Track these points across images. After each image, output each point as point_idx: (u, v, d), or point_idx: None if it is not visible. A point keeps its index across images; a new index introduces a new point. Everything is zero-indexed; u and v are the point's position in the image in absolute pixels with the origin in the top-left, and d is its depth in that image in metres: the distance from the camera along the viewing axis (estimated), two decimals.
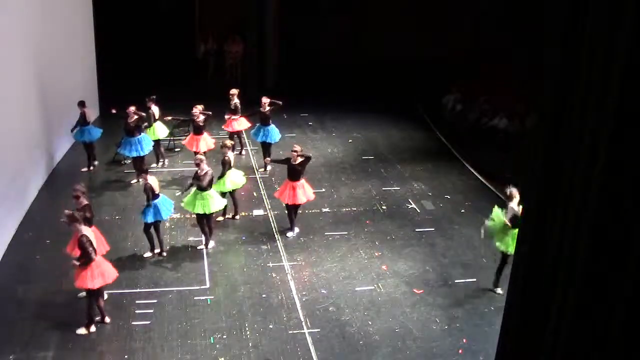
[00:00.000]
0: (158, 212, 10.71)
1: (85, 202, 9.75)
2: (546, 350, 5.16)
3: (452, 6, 21.98)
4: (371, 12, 22.27)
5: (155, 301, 9.77)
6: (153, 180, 10.77)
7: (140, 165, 13.38)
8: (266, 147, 14.53)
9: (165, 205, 10.90)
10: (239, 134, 15.40)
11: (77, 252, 8.98)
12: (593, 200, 4.51)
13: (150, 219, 10.64)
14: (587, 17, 4.60)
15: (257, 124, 14.56)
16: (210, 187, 10.94)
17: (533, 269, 5.40)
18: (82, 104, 14.06)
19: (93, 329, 9.03)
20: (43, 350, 8.59)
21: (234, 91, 14.90)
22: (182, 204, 11.30)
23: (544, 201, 5.21)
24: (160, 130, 14.58)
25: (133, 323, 9.24)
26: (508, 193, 9.75)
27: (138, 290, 10.04)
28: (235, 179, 12.02)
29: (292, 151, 11.62)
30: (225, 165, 11.73)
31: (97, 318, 9.17)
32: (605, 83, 4.38)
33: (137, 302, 9.71)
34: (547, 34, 5.60)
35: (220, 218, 12.00)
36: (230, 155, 11.87)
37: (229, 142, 12.09)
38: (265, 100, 14.32)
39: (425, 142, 17.21)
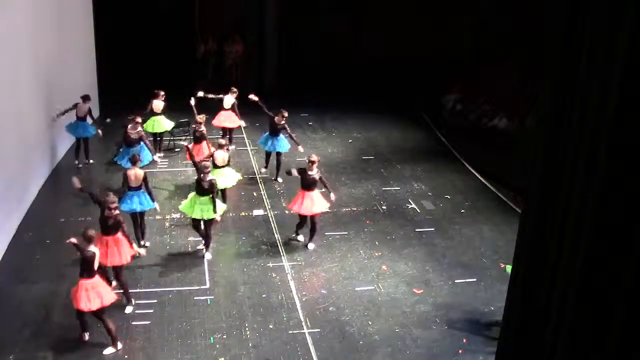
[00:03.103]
0: (124, 202, 10.58)
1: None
2: (546, 350, 5.16)
3: (452, 6, 21.99)
4: (371, 12, 22.27)
5: (155, 301, 9.77)
6: (133, 172, 10.72)
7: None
8: (269, 156, 14.33)
9: (135, 201, 10.68)
10: (229, 130, 15.31)
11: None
12: (593, 200, 4.51)
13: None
14: (587, 17, 4.60)
15: (267, 133, 14.17)
16: (211, 192, 10.82)
17: (533, 269, 5.40)
18: (88, 98, 14.08)
19: (120, 345, 8.67)
20: (43, 350, 8.58)
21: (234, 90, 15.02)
22: (180, 207, 11.27)
23: (544, 201, 5.21)
24: (162, 124, 14.70)
25: (133, 323, 9.24)
26: None
27: (138, 290, 10.03)
28: (228, 177, 12.06)
29: (309, 161, 11.21)
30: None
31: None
32: (605, 83, 4.39)
33: (137, 302, 9.70)
34: (547, 34, 5.60)
35: (218, 218, 11.82)
36: (221, 155, 11.92)
37: (222, 141, 12.13)
38: (284, 114, 13.74)
39: (425, 142, 17.22)
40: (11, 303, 9.56)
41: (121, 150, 13.41)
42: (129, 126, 13.11)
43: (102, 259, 8.95)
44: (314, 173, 11.16)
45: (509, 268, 9.44)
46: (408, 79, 20.28)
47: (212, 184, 10.62)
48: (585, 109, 4.63)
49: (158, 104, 14.75)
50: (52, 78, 14.03)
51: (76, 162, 14.52)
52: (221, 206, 11.06)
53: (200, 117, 13.61)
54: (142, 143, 13.17)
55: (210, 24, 22.36)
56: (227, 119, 15.07)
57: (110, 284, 9.40)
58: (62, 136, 15.02)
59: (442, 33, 21.84)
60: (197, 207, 10.63)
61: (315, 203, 11.17)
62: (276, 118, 13.78)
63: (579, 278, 4.67)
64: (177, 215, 12.38)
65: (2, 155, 11.01)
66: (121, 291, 9.49)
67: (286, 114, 13.77)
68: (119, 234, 9.27)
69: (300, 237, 11.65)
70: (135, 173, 10.68)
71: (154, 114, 14.80)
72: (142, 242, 11.06)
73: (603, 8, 4.42)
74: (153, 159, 13.93)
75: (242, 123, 15.28)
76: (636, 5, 4.09)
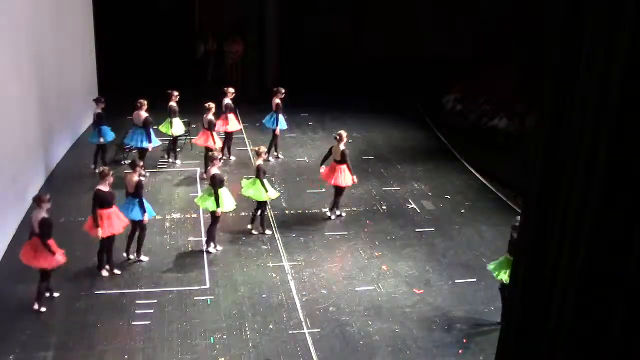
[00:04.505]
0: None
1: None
2: (546, 350, 5.16)
3: (452, 6, 22.00)
4: (371, 12, 22.28)
5: (155, 301, 9.77)
6: (128, 178, 10.63)
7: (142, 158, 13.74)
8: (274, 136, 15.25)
9: (126, 208, 10.58)
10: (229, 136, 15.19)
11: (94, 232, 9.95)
12: (593, 200, 4.51)
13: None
14: (587, 17, 4.60)
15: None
16: (221, 186, 10.88)
17: (533, 269, 5.40)
18: (99, 101, 14.10)
19: (43, 308, 9.37)
20: (43, 350, 8.58)
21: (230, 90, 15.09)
22: (195, 200, 11.42)
23: (544, 201, 5.21)
24: (178, 126, 14.68)
25: (133, 323, 9.24)
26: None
27: (138, 290, 10.04)
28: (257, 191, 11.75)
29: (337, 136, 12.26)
30: (260, 172, 11.57)
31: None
32: (605, 83, 4.39)
33: (137, 302, 9.71)
34: (547, 34, 5.60)
35: (249, 226, 11.92)
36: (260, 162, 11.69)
37: (262, 149, 11.98)
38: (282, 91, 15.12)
39: (425, 142, 17.22)
40: (11, 303, 9.57)
41: (131, 130, 13.94)
42: (137, 111, 13.67)
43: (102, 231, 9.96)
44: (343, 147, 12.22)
45: (491, 266, 9.50)
46: (408, 79, 20.27)
47: (213, 177, 10.80)
48: (585, 109, 4.62)
49: (173, 106, 14.52)
50: (52, 78, 14.02)
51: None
52: (231, 203, 11.21)
53: (209, 105, 14.05)
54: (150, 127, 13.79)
55: (210, 24, 22.36)
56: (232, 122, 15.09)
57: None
58: (62, 137, 15.02)
59: (442, 33, 21.84)
60: (208, 200, 10.91)
61: (345, 176, 12.23)
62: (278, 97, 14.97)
63: (579, 278, 4.67)
64: (177, 215, 12.39)
65: (2, 156, 11.01)
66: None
67: (283, 91, 15.07)
68: (115, 207, 10.13)
69: (333, 216, 12.53)
70: (130, 178, 10.53)
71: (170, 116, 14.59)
72: (130, 255, 10.74)
73: (603, 8, 4.42)
74: (175, 163, 14.75)
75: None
76: (636, 5, 4.09)
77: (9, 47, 11.63)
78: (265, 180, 11.65)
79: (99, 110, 13.97)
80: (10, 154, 11.46)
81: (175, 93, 14.58)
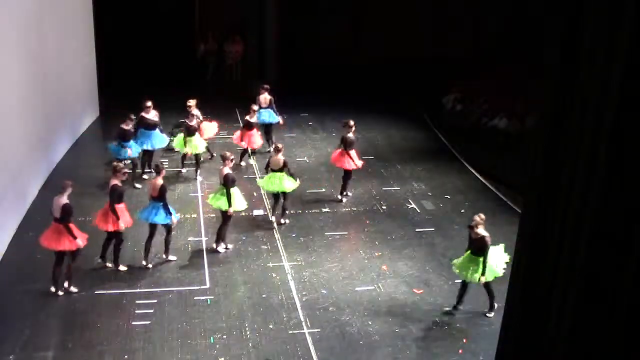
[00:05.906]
0: (141, 210, 10.85)
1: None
2: (546, 350, 5.17)
3: (452, 6, 22.01)
4: (371, 12, 22.28)
5: (155, 301, 9.77)
6: (152, 182, 10.74)
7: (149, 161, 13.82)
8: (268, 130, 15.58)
9: (148, 211, 10.64)
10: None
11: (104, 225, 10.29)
12: (593, 200, 4.51)
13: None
14: (587, 17, 4.60)
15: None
16: (233, 185, 10.99)
17: (533, 269, 5.40)
18: (129, 118, 13.39)
19: (73, 289, 9.87)
20: (43, 350, 8.59)
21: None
22: (208, 200, 11.54)
23: (544, 201, 5.21)
24: (197, 145, 14.03)
25: (133, 323, 9.24)
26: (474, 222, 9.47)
27: (138, 290, 10.04)
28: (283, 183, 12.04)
29: (347, 125, 13.10)
30: (286, 166, 12.01)
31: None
32: (605, 83, 4.39)
33: (137, 302, 9.71)
34: (547, 34, 5.61)
35: (272, 218, 12.28)
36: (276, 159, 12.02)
37: (280, 145, 12.30)
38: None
39: (425, 142, 17.22)
40: (11, 303, 9.57)
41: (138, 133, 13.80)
42: (144, 112, 13.72)
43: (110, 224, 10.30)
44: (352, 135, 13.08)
45: (456, 268, 9.56)
46: (408, 79, 20.27)
47: (226, 177, 10.89)
48: (585, 109, 4.63)
49: (191, 125, 13.89)
50: (52, 78, 14.03)
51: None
52: (242, 203, 11.37)
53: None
54: (157, 128, 13.91)
55: (210, 24, 22.37)
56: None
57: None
58: (62, 137, 15.01)
59: (442, 33, 21.85)
60: (220, 199, 11.10)
61: (353, 160, 13.13)
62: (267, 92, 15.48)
63: (579, 278, 4.68)
64: (177, 215, 12.36)
65: (2, 155, 11.02)
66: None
67: (267, 86, 15.70)
68: (123, 204, 10.42)
69: (345, 199, 13.31)
70: (155, 182, 10.52)
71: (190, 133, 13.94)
72: (149, 263, 10.63)
73: (603, 8, 4.43)
74: (181, 171, 14.41)
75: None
76: (636, 5, 4.10)
77: (9, 47, 11.63)
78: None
79: (129, 127, 13.26)
80: (11, 154, 11.46)
81: (189, 103, 14.05)
